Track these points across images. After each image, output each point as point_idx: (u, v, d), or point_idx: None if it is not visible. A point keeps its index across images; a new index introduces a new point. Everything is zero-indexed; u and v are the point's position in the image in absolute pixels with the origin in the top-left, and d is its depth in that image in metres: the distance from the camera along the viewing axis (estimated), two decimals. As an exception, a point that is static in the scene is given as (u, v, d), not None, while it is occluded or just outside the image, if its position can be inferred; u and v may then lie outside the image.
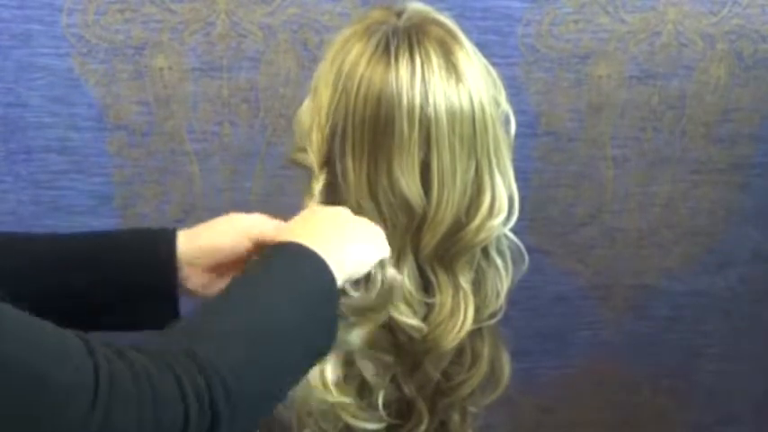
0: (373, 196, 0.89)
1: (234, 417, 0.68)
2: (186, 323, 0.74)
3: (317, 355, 0.80)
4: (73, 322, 0.80)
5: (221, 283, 0.86)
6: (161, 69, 1.16)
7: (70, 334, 0.65)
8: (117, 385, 0.63)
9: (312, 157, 0.91)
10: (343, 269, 0.82)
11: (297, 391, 1.05)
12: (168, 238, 0.89)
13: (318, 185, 0.92)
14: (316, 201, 0.91)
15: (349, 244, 0.84)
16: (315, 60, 0.94)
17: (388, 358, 0.99)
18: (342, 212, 0.88)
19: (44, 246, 0.90)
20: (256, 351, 0.73)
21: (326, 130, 0.89)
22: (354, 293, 0.88)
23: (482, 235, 0.93)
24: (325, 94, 0.89)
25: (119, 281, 0.87)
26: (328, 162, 0.91)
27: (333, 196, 0.92)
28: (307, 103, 0.93)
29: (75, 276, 0.87)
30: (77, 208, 1.22)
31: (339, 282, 0.81)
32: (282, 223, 0.90)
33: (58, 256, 0.88)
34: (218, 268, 0.90)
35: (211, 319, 0.74)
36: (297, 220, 0.87)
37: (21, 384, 0.59)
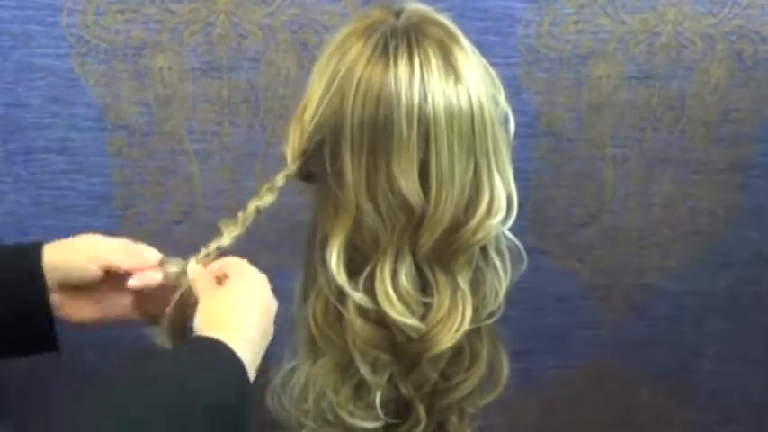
0: (372, 196, 0.89)
1: None
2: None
3: None
4: None
5: (78, 306, 0.88)
6: (161, 69, 1.16)
7: None
8: None
9: (286, 149, 0.91)
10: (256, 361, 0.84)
11: (295, 391, 1.05)
12: (34, 254, 0.88)
13: (282, 177, 0.92)
14: (274, 192, 0.93)
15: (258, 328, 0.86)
16: (315, 60, 0.95)
17: (386, 357, 0.99)
18: (242, 292, 0.88)
19: None
20: None
21: (311, 127, 0.90)
22: None
23: (480, 234, 0.93)
24: (316, 91, 0.90)
25: None
26: (307, 156, 0.91)
27: (326, 196, 0.93)
28: None
29: None
30: (77, 208, 1.22)
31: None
32: (136, 249, 0.91)
33: None
34: (73, 290, 0.90)
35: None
36: (207, 309, 0.86)
37: None
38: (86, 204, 1.22)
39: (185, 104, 1.18)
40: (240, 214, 0.94)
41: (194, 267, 0.91)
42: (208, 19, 1.13)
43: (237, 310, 0.86)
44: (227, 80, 1.18)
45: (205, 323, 0.84)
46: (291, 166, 0.92)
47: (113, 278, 0.92)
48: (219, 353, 0.80)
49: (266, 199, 0.93)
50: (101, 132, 1.19)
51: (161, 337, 0.92)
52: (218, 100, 1.19)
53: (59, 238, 0.93)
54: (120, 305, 0.95)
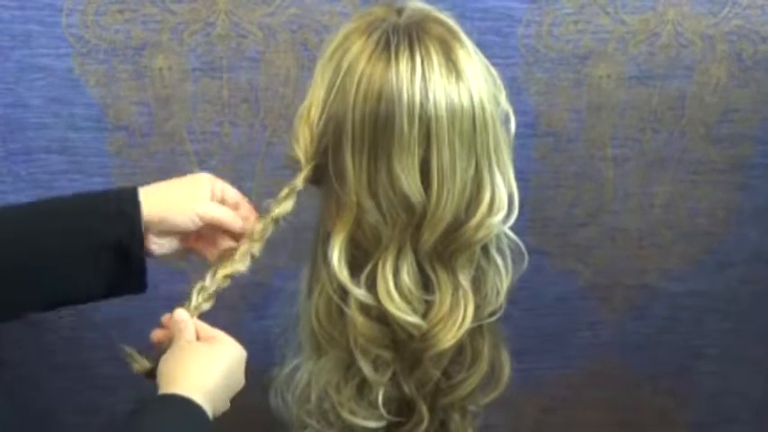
0: (373, 193, 0.89)
1: None
2: None
3: None
4: (46, 292, 0.84)
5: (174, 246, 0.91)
6: (161, 69, 1.16)
7: None
8: None
9: (298, 151, 0.91)
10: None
11: (296, 391, 1.05)
12: (134, 198, 0.90)
13: (302, 179, 0.92)
14: (294, 192, 0.93)
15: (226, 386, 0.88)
16: (315, 60, 0.95)
17: (388, 355, 0.99)
18: (211, 351, 0.89)
19: (19, 211, 0.91)
20: None
21: (319, 126, 0.90)
22: None
23: (481, 233, 0.93)
24: (320, 90, 0.90)
25: (91, 241, 0.88)
26: (317, 157, 0.91)
27: (328, 194, 0.93)
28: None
29: (50, 237, 0.88)
30: (77, 208, 1.22)
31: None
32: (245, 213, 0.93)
33: (33, 219, 0.90)
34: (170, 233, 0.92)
35: None
36: (173, 363, 0.88)
37: None
38: (86, 204, 1.22)
39: (185, 104, 1.18)
40: (258, 227, 0.94)
41: (183, 315, 0.92)
42: (208, 19, 1.13)
43: (202, 367, 0.88)
44: (227, 80, 1.18)
45: (176, 373, 0.87)
46: (306, 168, 0.92)
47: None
48: (189, 410, 0.83)
49: (286, 205, 0.93)
50: (101, 132, 1.19)
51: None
52: (218, 100, 1.19)
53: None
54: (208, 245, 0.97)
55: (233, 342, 0.91)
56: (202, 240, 0.96)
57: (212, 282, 0.92)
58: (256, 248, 0.94)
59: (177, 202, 0.92)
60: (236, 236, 0.95)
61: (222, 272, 0.93)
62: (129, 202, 0.90)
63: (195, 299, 0.92)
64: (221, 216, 0.93)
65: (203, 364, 0.88)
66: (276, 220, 0.94)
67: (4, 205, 0.93)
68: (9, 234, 0.89)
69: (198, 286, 0.92)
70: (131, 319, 1.28)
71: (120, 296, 0.94)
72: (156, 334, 0.93)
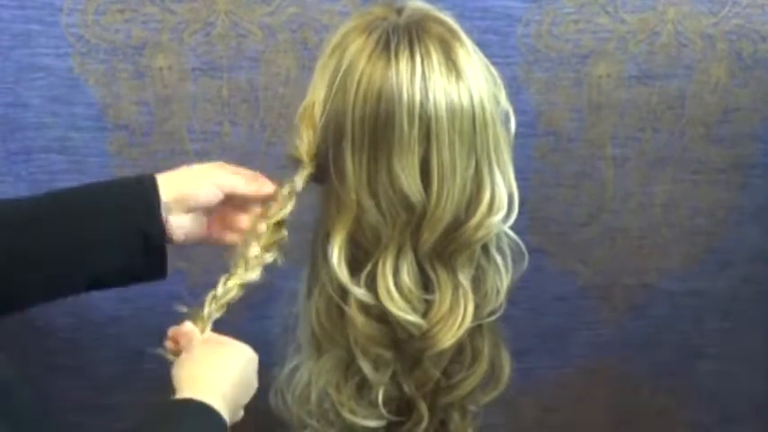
0: (373, 193, 0.89)
1: None
2: None
3: None
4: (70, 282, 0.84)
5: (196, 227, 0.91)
6: (161, 69, 1.16)
7: None
8: None
9: (301, 151, 0.91)
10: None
11: (296, 391, 1.05)
12: (153, 184, 0.90)
13: (303, 178, 0.92)
14: (294, 192, 0.93)
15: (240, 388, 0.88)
16: (315, 60, 0.95)
17: (388, 354, 0.99)
18: (224, 352, 0.89)
19: (40, 200, 0.91)
20: None
21: (320, 125, 0.90)
22: None
23: (481, 232, 0.93)
24: (320, 89, 0.90)
25: (113, 229, 0.89)
26: (319, 157, 0.91)
27: (328, 193, 0.93)
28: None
29: (75, 226, 0.88)
30: (77, 208, 1.22)
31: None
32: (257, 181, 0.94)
33: (58, 207, 0.90)
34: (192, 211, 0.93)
35: None
36: (187, 365, 0.88)
37: None
38: (86, 204, 1.22)
39: (185, 104, 1.18)
40: (262, 229, 0.94)
41: (189, 326, 0.91)
42: (208, 19, 1.13)
43: (218, 370, 0.87)
44: (227, 80, 1.18)
45: (189, 377, 0.86)
46: (308, 167, 0.92)
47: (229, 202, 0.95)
48: (207, 415, 0.82)
49: (288, 207, 0.93)
50: (101, 132, 1.19)
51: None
52: (218, 100, 1.19)
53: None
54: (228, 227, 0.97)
55: (243, 345, 0.90)
56: (220, 223, 0.96)
57: (224, 291, 0.92)
58: (268, 256, 0.93)
59: (195, 178, 0.93)
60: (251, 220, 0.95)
61: (233, 281, 0.92)
62: (147, 185, 0.90)
63: (207, 308, 0.91)
64: (239, 183, 0.93)
65: (218, 366, 0.87)
66: (280, 223, 0.93)
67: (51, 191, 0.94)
68: (54, 215, 0.89)
69: (210, 296, 0.92)
70: (131, 318, 1.29)
71: (142, 282, 0.94)
72: (168, 344, 0.93)
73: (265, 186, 0.94)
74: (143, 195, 0.89)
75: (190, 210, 0.92)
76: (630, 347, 1.43)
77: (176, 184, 0.91)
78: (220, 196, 0.92)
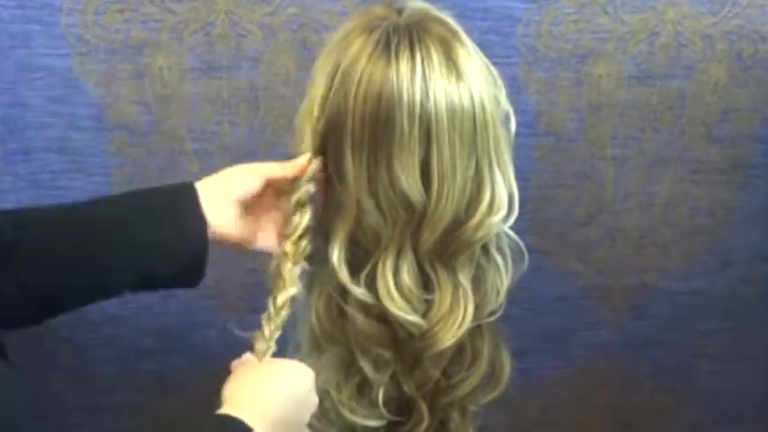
0: (373, 193, 0.89)
1: None
2: None
3: None
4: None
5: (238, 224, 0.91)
6: (161, 69, 1.16)
7: None
8: None
9: (304, 151, 0.91)
10: None
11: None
12: (193, 191, 0.90)
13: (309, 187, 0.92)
14: (309, 197, 0.92)
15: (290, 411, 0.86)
16: (315, 60, 0.95)
17: (388, 354, 0.99)
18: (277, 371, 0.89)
19: (99, 201, 0.93)
20: None
21: (320, 124, 0.90)
22: None
23: (481, 232, 0.93)
24: (319, 88, 0.90)
25: (164, 233, 0.89)
26: (321, 155, 0.91)
27: (329, 193, 0.93)
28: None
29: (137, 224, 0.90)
30: (77, 208, 1.22)
31: None
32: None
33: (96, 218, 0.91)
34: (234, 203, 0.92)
35: None
36: (232, 382, 0.87)
37: None
38: (86, 204, 1.22)
39: (185, 104, 1.18)
40: (289, 247, 0.93)
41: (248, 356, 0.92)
42: (207, 18, 1.13)
43: (261, 387, 0.86)
44: (227, 80, 1.18)
45: (233, 393, 0.85)
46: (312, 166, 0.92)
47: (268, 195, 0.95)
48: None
49: (308, 214, 0.93)
50: (101, 132, 1.19)
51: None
52: (218, 100, 1.19)
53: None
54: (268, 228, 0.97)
55: (298, 363, 0.90)
56: (254, 224, 0.95)
57: (276, 310, 0.92)
58: (298, 269, 0.93)
59: (234, 171, 0.93)
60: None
61: (281, 299, 0.92)
62: (188, 192, 0.91)
63: (267, 329, 0.91)
64: (275, 168, 0.93)
65: (261, 383, 0.87)
66: (302, 236, 0.93)
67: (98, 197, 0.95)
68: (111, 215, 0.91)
69: (264, 317, 0.92)
70: (131, 318, 1.28)
71: (175, 287, 0.95)
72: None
73: (298, 162, 0.93)
74: (187, 200, 0.90)
75: (233, 201, 0.91)
76: (630, 347, 1.43)
77: (217, 180, 0.92)
78: (261, 182, 0.93)
